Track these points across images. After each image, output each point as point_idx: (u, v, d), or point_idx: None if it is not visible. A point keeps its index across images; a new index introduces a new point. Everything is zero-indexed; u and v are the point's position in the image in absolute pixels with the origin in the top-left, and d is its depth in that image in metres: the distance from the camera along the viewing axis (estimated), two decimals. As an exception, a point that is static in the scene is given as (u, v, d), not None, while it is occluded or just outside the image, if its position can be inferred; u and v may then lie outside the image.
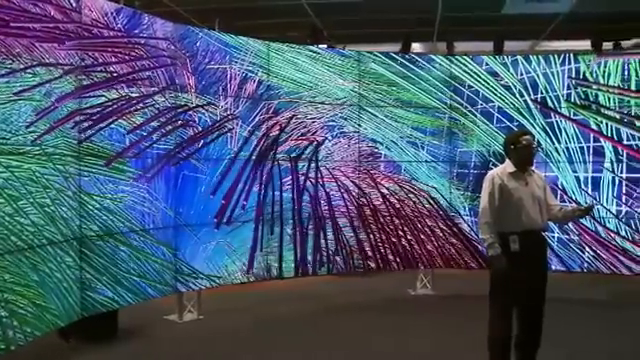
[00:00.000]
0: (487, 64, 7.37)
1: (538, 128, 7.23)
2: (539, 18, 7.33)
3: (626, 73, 6.85)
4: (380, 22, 7.61)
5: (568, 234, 7.19)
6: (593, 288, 7.48)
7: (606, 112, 6.95)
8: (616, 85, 6.87)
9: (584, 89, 7.00)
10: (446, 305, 6.82)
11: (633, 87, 6.82)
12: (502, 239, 4.11)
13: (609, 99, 6.95)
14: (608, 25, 7.46)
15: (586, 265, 7.21)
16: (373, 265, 7.32)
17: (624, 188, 6.99)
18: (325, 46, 7.84)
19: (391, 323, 6.07)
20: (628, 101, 6.86)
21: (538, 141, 7.05)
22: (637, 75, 6.82)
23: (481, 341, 4.23)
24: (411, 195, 7.43)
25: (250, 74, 6.61)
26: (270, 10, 7.28)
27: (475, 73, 7.40)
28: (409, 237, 7.40)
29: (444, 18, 7.32)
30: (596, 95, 6.98)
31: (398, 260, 7.38)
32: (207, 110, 6.22)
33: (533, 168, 4.39)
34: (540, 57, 7.24)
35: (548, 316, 4.25)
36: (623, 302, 6.99)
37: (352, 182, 7.27)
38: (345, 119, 7.25)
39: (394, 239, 7.37)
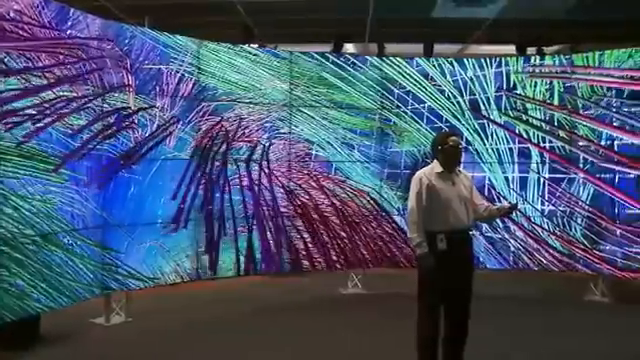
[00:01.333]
0: (419, 66, 7.60)
1: (470, 129, 7.47)
2: (467, 22, 7.52)
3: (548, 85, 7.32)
4: (312, 22, 7.63)
5: (497, 232, 7.42)
6: (520, 285, 7.77)
7: (533, 122, 7.36)
8: (541, 98, 7.31)
9: (515, 100, 7.40)
10: (377, 304, 6.93)
11: (556, 101, 7.28)
12: (430, 238, 4.20)
13: (536, 109, 7.36)
14: (532, 31, 7.73)
15: (513, 262, 7.47)
16: (307, 265, 7.38)
17: (547, 188, 7.37)
18: (256, 45, 7.81)
19: (322, 323, 6.12)
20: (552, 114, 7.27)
21: (467, 141, 7.30)
22: (559, 90, 7.26)
23: (410, 340, 4.32)
24: (345, 195, 7.54)
25: (186, 74, 6.61)
26: (201, 8, 7.19)
27: (408, 74, 7.61)
28: (342, 237, 7.48)
29: (375, 19, 7.40)
30: (524, 105, 7.36)
31: (330, 260, 7.44)
32: (142, 110, 6.18)
33: (460, 168, 4.51)
34: (472, 60, 7.53)
35: (475, 313, 4.36)
36: (550, 298, 7.29)
37: (288, 182, 7.32)
38: (281, 120, 7.31)
39: (327, 239, 7.44)
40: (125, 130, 6.00)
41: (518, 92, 7.42)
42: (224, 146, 6.97)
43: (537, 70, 7.34)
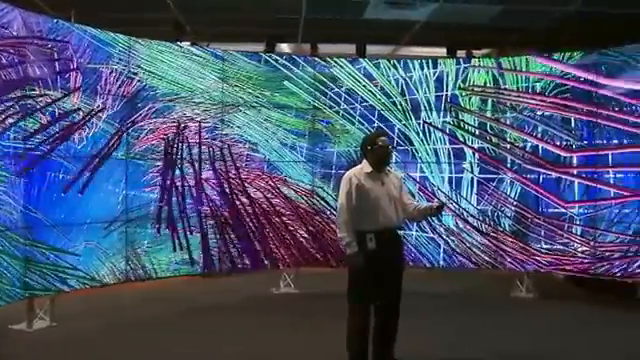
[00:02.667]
0: (359, 66, 7.73)
1: (410, 129, 7.60)
2: (399, 24, 7.64)
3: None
4: (244, 21, 7.59)
5: (426, 231, 7.59)
6: (449, 282, 7.95)
7: (468, 128, 7.63)
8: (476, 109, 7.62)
9: (455, 109, 7.65)
10: (308, 303, 6.97)
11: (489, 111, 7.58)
12: (359, 237, 4.26)
13: (472, 120, 7.64)
14: (462, 35, 7.93)
15: (442, 260, 7.65)
16: (240, 264, 7.37)
17: (478, 187, 7.64)
18: (189, 43, 7.72)
19: (252, 322, 6.11)
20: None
21: (404, 141, 7.47)
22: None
23: (341, 338, 4.37)
24: (280, 195, 7.57)
25: (125, 73, 6.55)
26: (130, 3, 7.04)
27: (347, 75, 7.73)
28: (275, 237, 7.50)
29: (308, 20, 7.43)
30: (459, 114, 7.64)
31: (262, 259, 7.48)
32: (75, 108, 6.05)
33: (389, 168, 4.58)
34: (415, 61, 7.75)
35: (405, 311, 4.45)
36: (477, 295, 7.50)
37: (225, 182, 7.32)
38: (220, 119, 7.32)
39: (261, 238, 7.45)
40: (54, 125, 5.85)
41: (456, 94, 7.64)
42: (160, 145, 6.92)
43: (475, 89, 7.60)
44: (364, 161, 4.47)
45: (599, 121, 6.95)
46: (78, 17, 6.24)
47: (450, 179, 7.73)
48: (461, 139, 7.67)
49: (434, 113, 7.72)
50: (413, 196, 7.33)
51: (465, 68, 7.64)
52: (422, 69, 7.73)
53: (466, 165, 7.65)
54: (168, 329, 5.86)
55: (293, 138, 7.68)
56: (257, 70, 7.50)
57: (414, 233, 7.72)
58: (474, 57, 8.11)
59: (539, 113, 7.35)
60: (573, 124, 7.19)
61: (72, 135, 6.01)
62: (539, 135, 7.36)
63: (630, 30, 6.94)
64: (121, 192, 6.57)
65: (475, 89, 7.59)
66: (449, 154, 7.71)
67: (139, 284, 6.94)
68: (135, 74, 6.68)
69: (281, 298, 7.39)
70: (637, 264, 6.69)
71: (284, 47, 9.02)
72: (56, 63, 5.83)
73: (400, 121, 7.77)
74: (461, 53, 8.17)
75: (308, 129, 7.72)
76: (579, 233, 7.15)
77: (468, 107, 7.65)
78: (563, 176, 7.24)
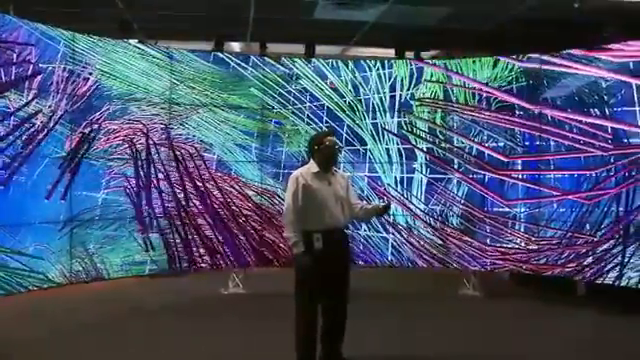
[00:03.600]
0: (313, 66, 7.84)
1: (364, 129, 7.67)
2: (348, 25, 7.68)
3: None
4: (193, 19, 7.51)
5: (375, 230, 7.67)
6: (397, 281, 8.04)
7: (419, 133, 7.81)
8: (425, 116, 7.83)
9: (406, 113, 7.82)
10: (257, 304, 6.96)
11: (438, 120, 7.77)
12: (306, 237, 4.27)
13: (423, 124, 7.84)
14: (410, 36, 8.02)
15: (391, 260, 7.74)
16: (190, 264, 7.35)
17: (428, 187, 7.81)
18: (136, 41, 7.60)
19: (200, 324, 6.07)
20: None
21: (357, 141, 7.63)
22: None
23: (289, 339, 4.39)
24: (234, 195, 7.56)
25: (77, 72, 6.49)
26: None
27: (301, 74, 7.83)
28: (227, 236, 7.48)
29: (257, 19, 7.40)
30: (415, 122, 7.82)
31: (212, 259, 7.45)
32: (24, 108, 5.97)
33: (336, 168, 4.61)
34: (369, 62, 7.91)
35: (353, 311, 4.48)
36: (426, 294, 7.59)
37: (179, 183, 7.30)
38: (175, 120, 7.31)
39: (212, 238, 7.44)
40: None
41: (409, 96, 7.79)
42: (109, 145, 6.85)
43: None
44: (311, 161, 4.49)
45: (541, 126, 7.21)
46: (18, 11, 6.06)
47: (402, 179, 7.83)
48: (413, 141, 7.79)
49: (387, 114, 7.82)
50: (369, 197, 7.53)
51: (418, 69, 7.80)
52: (376, 69, 7.86)
53: (416, 165, 7.77)
54: (115, 331, 5.78)
55: (245, 138, 7.68)
56: (211, 70, 7.53)
57: (363, 232, 7.78)
58: (422, 58, 8.22)
59: (484, 122, 7.57)
60: (516, 130, 7.43)
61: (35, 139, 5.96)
62: (484, 140, 7.56)
63: (573, 34, 7.17)
64: (72, 193, 6.46)
65: (426, 101, 7.77)
66: (400, 154, 7.83)
67: (89, 285, 6.82)
68: (90, 73, 6.62)
69: (230, 299, 7.35)
70: (576, 262, 6.92)
71: (234, 46, 8.95)
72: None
73: (353, 121, 7.84)
74: (410, 54, 8.24)
75: (260, 129, 7.72)
76: (522, 230, 7.36)
77: (417, 113, 7.81)
78: (505, 178, 7.45)
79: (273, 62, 7.80)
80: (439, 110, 7.78)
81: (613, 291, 6.75)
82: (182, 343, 5.39)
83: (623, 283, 6.47)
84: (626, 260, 6.47)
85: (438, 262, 7.73)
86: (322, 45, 8.42)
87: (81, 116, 6.56)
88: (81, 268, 6.53)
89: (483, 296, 7.47)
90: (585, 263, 6.82)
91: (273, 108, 7.77)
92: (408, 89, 7.81)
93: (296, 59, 7.91)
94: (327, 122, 7.82)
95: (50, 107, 6.21)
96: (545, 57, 7.20)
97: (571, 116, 6.98)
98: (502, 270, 7.70)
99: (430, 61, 7.99)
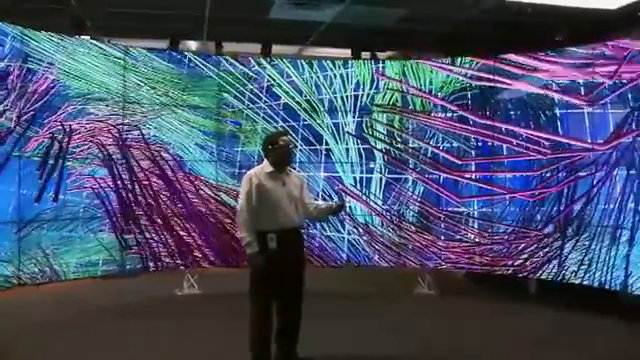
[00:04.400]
0: (273, 65, 7.86)
1: (324, 129, 7.72)
2: (305, 25, 7.69)
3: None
4: (148, 17, 7.41)
5: (332, 230, 7.70)
6: (354, 281, 8.09)
7: (378, 135, 7.92)
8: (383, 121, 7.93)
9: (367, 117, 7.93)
10: (212, 305, 6.94)
11: (396, 123, 7.89)
12: (260, 237, 4.27)
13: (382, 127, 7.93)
14: (367, 36, 8.08)
15: (347, 259, 7.79)
16: (144, 265, 7.30)
17: (386, 187, 7.90)
18: (88, 37, 7.47)
19: (154, 325, 6.02)
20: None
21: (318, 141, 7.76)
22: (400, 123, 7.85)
23: (244, 339, 4.39)
24: (191, 195, 7.54)
25: (34, 70, 6.41)
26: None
27: (261, 74, 7.86)
28: (183, 236, 7.47)
29: (213, 17, 7.35)
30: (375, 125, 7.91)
31: (168, 260, 7.43)
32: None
33: (290, 168, 4.62)
34: (330, 62, 7.98)
35: (309, 310, 4.51)
36: (382, 293, 7.66)
37: (137, 183, 7.25)
38: (132, 118, 7.25)
39: (168, 238, 7.41)
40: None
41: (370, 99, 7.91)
42: (71, 146, 6.79)
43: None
44: (265, 161, 4.49)
45: (493, 133, 7.43)
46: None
47: (361, 179, 7.90)
48: (372, 142, 7.89)
49: (348, 115, 7.89)
50: (332, 196, 7.62)
51: (378, 69, 7.88)
52: (337, 69, 7.93)
53: (374, 165, 7.87)
54: (67, 333, 5.68)
55: (204, 138, 7.66)
56: (170, 69, 7.53)
57: (320, 232, 7.81)
58: (379, 59, 8.30)
59: (439, 127, 7.73)
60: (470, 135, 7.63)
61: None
62: (439, 142, 7.72)
63: (529, 37, 7.34)
64: (29, 193, 6.38)
65: (385, 107, 7.87)
66: (360, 154, 7.91)
67: (44, 287, 6.70)
68: (48, 71, 6.54)
69: (184, 299, 7.30)
70: (528, 261, 7.10)
71: (190, 45, 8.87)
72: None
73: (315, 121, 7.88)
74: (366, 55, 8.32)
75: (218, 129, 7.70)
76: (476, 227, 7.55)
77: (376, 116, 7.90)
78: (459, 179, 7.60)
79: (233, 61, 7.80)
80: (396, 115, 7.90)
81: (563, 288, 6.97)
82: (135, 344, 5.34)
83: (565, 277, 6.79)
84: (565, 255, 6.79)
85: (394, 261, 7.80)
86: (279, 45, 8.43)
87: (39, 115, 6.48)
88: (36, 269, 6.42)
89: (438, 295, 7.58)
90: (532, 258, 7.11)
91: (232, 107, 7.73)
92: (370, 88, 7.90)
93: (259, 59, 7.93)
94: (288, 122, 7.84)
95: (7, 106, 6.12)
96: (490, 62, 7.40)
97: (514, 128, 7.26)
98: (457, 268, 7.82)
99: (388, 66, 8.03)
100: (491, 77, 7.42)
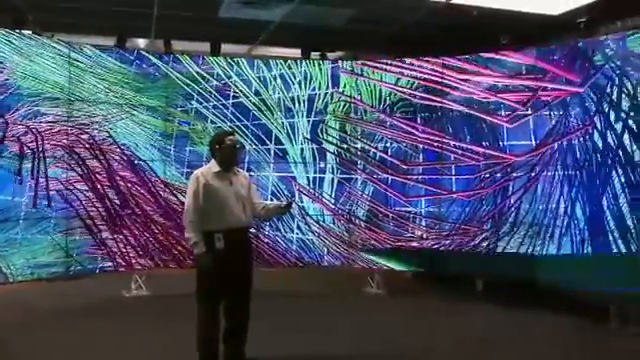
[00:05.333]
0: (223, 64, 7.82)
1: (279, 127, 7.86)
2: (254, 24, 7.69)
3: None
4: (94, 13, 7.28)
5: (283, 230, 7.73)
6: (303, 281, 8.12)
7: (331, 139, 8.00)
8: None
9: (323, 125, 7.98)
10: (160, 306, 6.87)
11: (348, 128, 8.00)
12: (207, 237, 4.26)
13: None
14: (316, 36, 8.13)
15: (296, 259, 7.82)
16: (94, 267, 7.19)
17: (338, 187, 7.97)
18: (30, 32, 7.31)
19: (101, 328, 5.92)
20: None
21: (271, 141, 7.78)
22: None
23: (191, 340, 4.38)
24: (142, 195, 7.43)
25: None
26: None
27: (216, 73, 7.80)
28: (131, 237, 7.37)
29: (161, 15, 7.27)
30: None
31: (117, 261, 7.33)
32: None
33: (238, 168, 4.62)
34: (279, 61, 7.97)
35: (258, 311, 4.53)
36: (331, 293, 7.72)
37: (88, 183, 7.17)
38: (81, 117, 7.15)
39: (117, 239, 7.32)
40: None
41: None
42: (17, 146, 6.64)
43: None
44: (212, 160, 4.48)
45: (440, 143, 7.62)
46: None
47: (314, 179, 7.96)
48: (325, 144, 7.96)
49: (303, 115, 7.94)
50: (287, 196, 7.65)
51: (333, 69, 7.94)
52: (289, 69, 7.94)
53: (324, 165, 7.96)
54: (11, 336, 5.54)
55: (154, 137, 7.58)
56: (120, 68, 7.42)
57: (269, 232, 7.82)
58: (328, 59, 8.36)
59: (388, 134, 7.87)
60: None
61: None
62: (387, 147, 7.86)
63: (475, 39, 7.52)
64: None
65: (339, 115, 7.95)
66: (314, 155, 7.97)
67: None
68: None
69: (132, 301, 7.21)
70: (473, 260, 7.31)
71: (138, 42, 8.74)
72: None
73: (269, 120, 7.90)
74: (315, 55, 8.38)
75: (169, 129, 7.65)
76: (424, 225, 7.71)
77: (330, 119, 7.98)
78: (405, 181, 7.78)
79: (186, 60, 7.74)
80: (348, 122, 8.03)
81: (508, 286, 7.16)
82: (82, 346, 5.26)
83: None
84: (500, 250, 7.11)
85: (344, 260, 7.88)
86: (228, 44, 8.40)
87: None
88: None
89: (386, 294, 7.68)
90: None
91: (182, 107, 7.68)
92: (326, 88, 7.95)
93: (210, 58, 7.87)
94: (242, 121, 7.83)
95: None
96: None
97: (453, 142, 7.52)
98: (405, 267, 7.96)
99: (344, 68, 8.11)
100: (435, 83, 7.57)
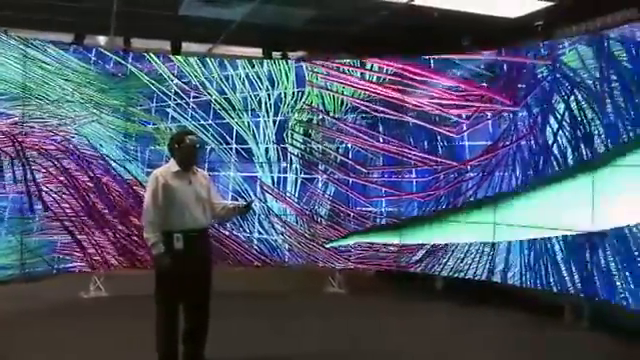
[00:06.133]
0: (184, 63, 7.74)
1: (244, 127, 7.85)
2: (215, 23, 7.66)
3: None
4: (50, 7, 7.13)
5: (244, 230, 7.73)
6: (267, 280, 8.14)
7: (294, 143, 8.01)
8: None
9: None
10: (119, 307, 6.79)
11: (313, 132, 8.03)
12: (166, 238, 4.24)
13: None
14: (278, 36, 8.14)
15: (257, 259, 7.83)
16: (54, 268, 7.11)
17: (301, 187, 7.99)
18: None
19: (60, 329, 5.85)
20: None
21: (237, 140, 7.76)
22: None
23: (150, 341, 4.35)
24: (102, 195, 7.36)
25: None
26: None
27: (179, 73, 7.72)
28: (89, 238, 7.29)
29: (120, 12, 7.19)
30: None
31: (75, 262, 7.23)
32: None
33: (197, 168, 4.60)
34: (242, 61, 7.92)
35: (218, 311, 4.52)
36: (293, 293, 7.72)
37: (50, 183, 7.08)
38: (39, 117, 7.03)
39: (75, 240, 7.22)
40: None
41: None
42: None
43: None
44: (171, 160, 4.46)
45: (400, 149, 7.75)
46: None
47: (279, 179, 7.97)
48: (288, 145, 7.97)
49: (269, 115, 7.93)
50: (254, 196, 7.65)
51: (298, 69, 7.93)
52: (252, 69, 7.89)
53: (291, 167, 7.98)
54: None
55: (123, 140, 7.50)
56: (81, 67, 7.26)
57: (231, 231, 7.79)
58: (289, 59, 8.38)
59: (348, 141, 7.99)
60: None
61: None
62: (348, 150, 7.96)
63: (436, 41, 7.63)
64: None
65: (304, 122, 7.99)
66: (278, 155, 7.97)
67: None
68: None
69: (91, 302, 7.10)
70: (435, 259, 7.43)
71: (98, 40, 8.61)
72: None
73: (233, 119, 7.88)
74: (277, 54, 8.40)
75: (131, 129, 7.56)
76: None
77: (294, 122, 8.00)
78: (365, 183, 7.88)
79: (151, 59, 7.64)
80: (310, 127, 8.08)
81: (467, 284, 7.30)
82: (37, 348, 5.18)
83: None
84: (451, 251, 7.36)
85: (306, 260, 7.92)
86: (189, 42, 8.35)
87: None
88: None
89: (348, 293, 7.72)
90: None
91: (145, 106, 7.60)
92: (291, 89, 7.93)
93: (174, 57, 7.82)
94: (206, 119, 7.78)
95: None
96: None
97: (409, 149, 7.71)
98: (367, 266, 8.03)
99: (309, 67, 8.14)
100: (393, 90, 7.68)
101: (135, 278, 7.11)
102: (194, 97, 7.77)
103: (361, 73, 7.74)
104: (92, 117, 7.31)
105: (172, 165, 4.42)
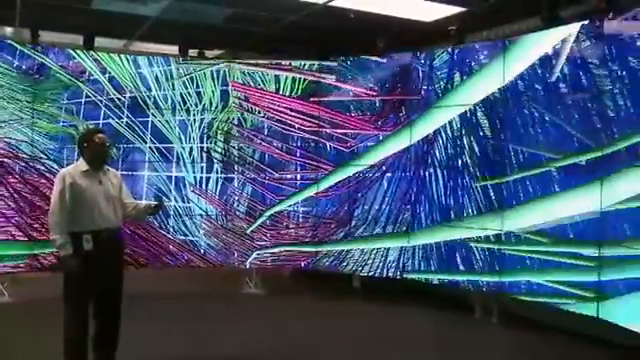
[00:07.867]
0: (101, 59, 7.73)
1: (166, 126, 7.83)
2: (130, 18, 7.48)
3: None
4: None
5: (161, 230, 7.68)
6: (184, 281, 8.09)
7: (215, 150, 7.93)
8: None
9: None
10: (23, 311, 6.60)
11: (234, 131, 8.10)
12: (75, 239, 4.16)
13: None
14: (195, 34, 8.05)
15: (172, 260, 7.77)
16: None
17: (221, 187, 8.06)
18: None
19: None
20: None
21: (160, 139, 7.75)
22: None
23: (58, 344, 4.26)
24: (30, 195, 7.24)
25: None
26: None
27: (95, 69, 7.67)
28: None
29: (27, 2, 6.89)
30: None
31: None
32: None
33: (108, 167, 4.53)
34: (159, 58, 7.98)
35: (131, 314, 4.48)
36: (209, 294, 7.68)
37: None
38: None
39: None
40: None
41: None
42: None
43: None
44: (80, 159, 4.37)
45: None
46: None
47: (201, 178, 7.95)
48: (211, 147, 8.02)
49: (195, 114, 7.93)
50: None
51: (218, 70, 7.99)
52: (174, 67, 7.93)
53: (212, 167, 8.02)
54: None
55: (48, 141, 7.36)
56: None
57: (146, 231, 7.68)
58: (207, 58, 8.34)
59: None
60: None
61: None
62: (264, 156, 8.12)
63: (353, 42, 7.75)
64: None
65: (225, 129, 8.09)
66: (201, 155, 7.98)
67: None
68: None
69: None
70: (349, 257, 7.63)
71: (5, 31, 8.22)
72: None
73: (156, 117, 7.81)
74: (193, 52, 8.31)
75: (50, 130, 7.40)
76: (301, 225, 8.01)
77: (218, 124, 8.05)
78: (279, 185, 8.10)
79: (65, 53, 7.50)
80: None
81: (382, 282, 7.49)
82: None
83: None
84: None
85: (223, 260, 7.90)
86: (102, 37, 8.12)
87: None
88: None
89: (265, 294, 7.76)
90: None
91: (59, 105, 7.39)
92: (213, 87, 8.00)
93: (89, 52, 7.66)
94: (129, 117, 7.70)
95: None
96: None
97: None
98: (283, 266, 8.10)
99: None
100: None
101: (43, 281, 6.90)
102: (111, 95, 7.68)
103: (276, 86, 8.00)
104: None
105: (81, 164, 4.33)
